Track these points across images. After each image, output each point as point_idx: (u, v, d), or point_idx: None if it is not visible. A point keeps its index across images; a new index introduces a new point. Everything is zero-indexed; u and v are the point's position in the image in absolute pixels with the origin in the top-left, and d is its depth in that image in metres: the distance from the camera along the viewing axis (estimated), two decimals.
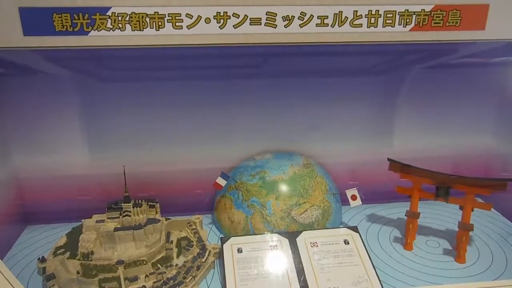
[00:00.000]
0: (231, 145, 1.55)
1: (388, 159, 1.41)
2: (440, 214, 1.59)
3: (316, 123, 1.56)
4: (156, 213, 1.37)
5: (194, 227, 1.43)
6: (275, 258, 1.25)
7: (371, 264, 1.24)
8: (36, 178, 1.48)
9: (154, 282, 1.19)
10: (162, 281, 1.18)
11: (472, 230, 1.32)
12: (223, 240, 1.31)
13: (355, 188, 1.43)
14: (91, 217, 1.31)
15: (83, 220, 1.30)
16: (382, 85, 1.54)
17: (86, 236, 1.26)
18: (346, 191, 1.44)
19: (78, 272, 1.18)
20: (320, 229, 1.40)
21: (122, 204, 1.30)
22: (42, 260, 1.26)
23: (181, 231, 1.43)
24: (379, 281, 1.19)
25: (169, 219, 1.44)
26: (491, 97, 1.61)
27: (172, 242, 1.34)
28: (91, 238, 1.25)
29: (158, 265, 1.24)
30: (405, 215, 1.40)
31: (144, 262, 1.22)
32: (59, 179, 1.49)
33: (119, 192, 1.32)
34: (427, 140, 1.63)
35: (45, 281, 1.19)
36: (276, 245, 1.29)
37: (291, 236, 1.32)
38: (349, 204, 1.43)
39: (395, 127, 1.61)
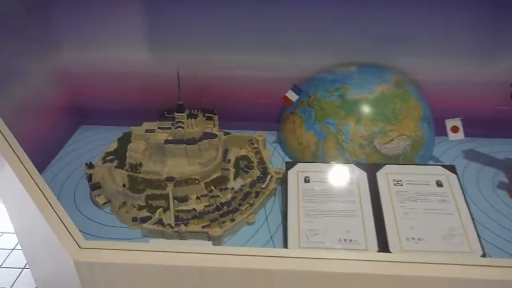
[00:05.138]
0: (307, 52, 1.31)
1: None
2: None
3: (413, 31, 1.27)
4: (214, 127, 1.21)
5: (256, 145, 1.26)
6: (348, 193, 1.06)
7: (469, 215, 1.01)
8: (88, 75, 1.39)
9: (205, 206, 1.05)
10: (215, 205, 1.04)
11: None
12: (289, 166, 1.13)
13: (459, 118, 1.16)
14: (141, 125, 1.17)
15: (132, 127, 1.17)
16: None
17: (134, 146, 1.15)
18: (446, 121, 1.18)
19: (124, 185, 1.07)
20: (407, 164, 1.16)
21: (175, 114, 1.14)
22: (90, 166, 1.18)
23: (241, 149, 1.27)
24: (478, 237, 0.96)
25: (228, 133, 1.27)
26: None
27: (229, 161, 1.19)
28: (140, 148, 1.14)
29: (212, 186, 1.09)
30: None
31: (197, 182, 1.08)
32: (113, 77, 1.38)
33: (176, 96, 1.18)
34: None
35: (91, 189, 1.11)
36: (351, 178, 1.09)
37: (371, 169, 1.11)
38: (445, 135, 1.19)
39: None
